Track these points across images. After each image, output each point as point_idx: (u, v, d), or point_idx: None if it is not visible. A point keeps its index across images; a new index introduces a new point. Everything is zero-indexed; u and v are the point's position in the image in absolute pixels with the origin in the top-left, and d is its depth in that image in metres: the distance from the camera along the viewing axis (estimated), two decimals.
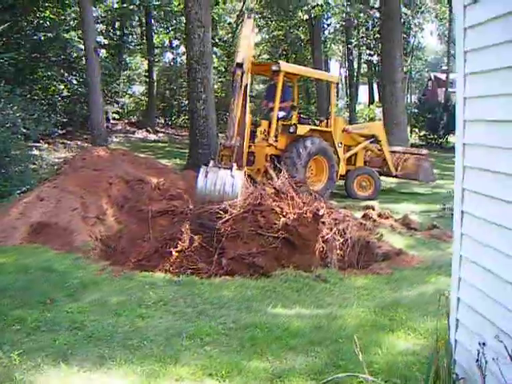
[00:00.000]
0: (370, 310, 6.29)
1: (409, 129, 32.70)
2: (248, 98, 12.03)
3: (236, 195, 9.24)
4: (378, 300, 6.76)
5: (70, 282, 6.93)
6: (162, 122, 40.81)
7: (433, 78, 65.50)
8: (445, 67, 53.21)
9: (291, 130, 14.15)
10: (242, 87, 10.65)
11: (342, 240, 8.80)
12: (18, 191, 12.18)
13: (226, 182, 9.41)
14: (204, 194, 9.51)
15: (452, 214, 11.42)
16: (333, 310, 6.35)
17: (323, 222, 8.84)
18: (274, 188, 9.40)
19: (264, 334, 5.50)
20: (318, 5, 29.41)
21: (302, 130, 14.31)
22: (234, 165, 9.77)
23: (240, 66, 10.61)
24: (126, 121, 36.54)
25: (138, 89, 42.30)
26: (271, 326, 5.69)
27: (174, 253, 8.86)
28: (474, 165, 3.67)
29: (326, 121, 15.48)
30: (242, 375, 4.63)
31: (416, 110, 38.34)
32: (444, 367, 3.64)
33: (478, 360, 3.35)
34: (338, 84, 22.29)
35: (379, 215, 11.46)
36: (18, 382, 4.42)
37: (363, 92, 59.10)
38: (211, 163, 9.92)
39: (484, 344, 3.29)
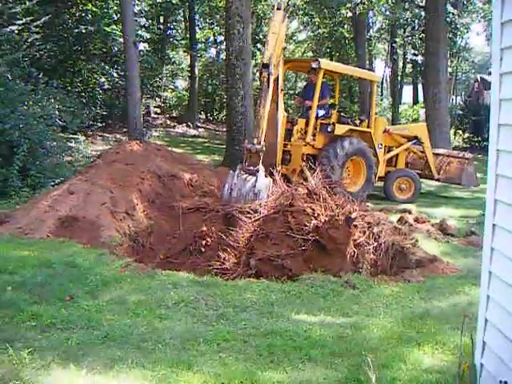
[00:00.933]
0: (397, 321, 6.02)
1: (452, 131, 32.07)
2: (281, 95, 11.80)
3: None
4: (407, 310, 6.47)
5: (91, 279, 6.79)
6: (204, 117, 40.81)
7: (479, 79, 64.36)
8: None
9: (329, 130, 13.89)
10: (270, 88, 10.40)
11: (375, 244, 8.53)
12: (52, 183, 12.18)
13: (249, 198, 9.28)
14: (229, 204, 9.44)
15: None
16: (358, 319, 6.09)
17: (356, 226, 8.58)
18: (307, 189, 9.17)
19: (283, 342, 5.27)
20: (361, 2, 28.99)
21: (341, 129, 14.04)
22: (260, 172, 9.59)
23: (266, 66, 10.34)
24: (167, 115, 36.60)
25: (181, 84, 42.34)
26: (292, 333, 5.46)
27: (202, 251, 8.75)
28: (509, 174, 3.37)
29: (366, 121, 15.17)
30: None
31: (460, 112, 37.61)
32: None
33: None
34: (379, 83, 21.93)
35: (415, 219, 11.17)
36: (25, 381, 4.27)
37: (407, 92, 58.32)
38: (238, 169, 9.77)
39: (506, 383, 2.98)
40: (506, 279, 3.34)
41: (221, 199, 9.88)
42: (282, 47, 11.24)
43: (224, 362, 4.83)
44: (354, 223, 8.56)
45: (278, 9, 11.84)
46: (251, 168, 9.79)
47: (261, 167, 9.77)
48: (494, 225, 3.50)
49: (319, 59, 14.31)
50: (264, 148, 10.01)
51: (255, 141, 10.11)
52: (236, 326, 5.69)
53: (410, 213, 11.78)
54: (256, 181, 9.39)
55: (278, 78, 11.27)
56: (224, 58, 40.63)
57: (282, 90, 12.17)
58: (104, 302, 6.18)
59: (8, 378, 4.30)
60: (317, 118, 14.06)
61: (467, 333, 5.29)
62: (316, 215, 8.47)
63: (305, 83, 27.64)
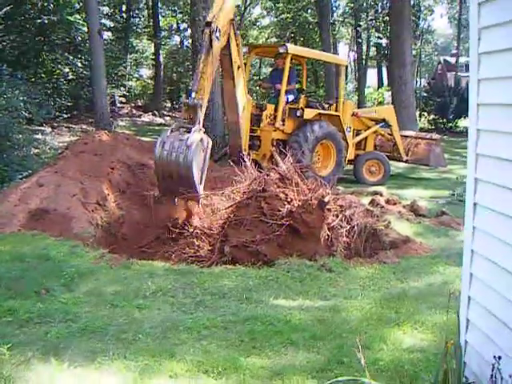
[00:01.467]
0: (375, 302, 6.06)
1: (418, 113, 32.32)
2: (239, 72, 11.75)
3: (190, 161, 8.95)
4: (384, 291, 6.53)
5: (66, 271, 6.70)
6: (169, 105, 40.55)
7: (442, 61, 65.00)
8: (454, 51, 52.73)
9: (298, 114, 13.88)
10: (214, 48, 10.26)
11: (348, 227, 8.55)
12: (19, 176, 11.97)
13: (180, 151, 9.11)
14: (161, 162, 9.28)
15: (461, 201, 11.28)
16: (337, 301, 6.13)
17: (329, 209, 8.59)
18: (279, 174, 9.15)
19: (264, 327, 5.28)
20: None
21: (310, 114, 14.04)
22: (196, 127, 9.44)
23: (208, 24, 10.26)
24: (133, 104, 36.31)
25: (145, 72, 42.01)
26: (272, 318, 5.46)
27: (175, 239, 8.71)
28: (489, 153, 3.37)
29: (334, 105, 15.19)
30: (239, 372, 4.41)
31: (425, 94, 37.92)
32: (453, 370, 3.40)
33: (492, 376, 3.08)
34: (347, 67, 21.99)
35: (387, 201, 11.25)
36: (6, 378, 4.20)
37: (372, 75, 58.60)
38: (173, 125, 9.72)
39: (500, 358, 3.02)
40: (488, 256, 3.37)
41: (153, 154, 9.64)
42: (229, 18, 11.08)
43: (206, 350, 4.82)
44: (327, 207, 8.57)
45: None
46: (188, 125, 9.60)
47: (198, 125, 9.61)
48: (474, 203, 3.52)
49: (287, 44, 14.27)
50: (201, 103, 9.86)
51: (193, 95, 9.90)
52: (215, 313, 5.67)
53: (381, 195, 11.85)
54: (186, 143, 9.25)
55: (229, 51, 11.21)
56: (188, 45, 40.55)
57: (239, 66, 11.99)
58: (81, 294, 6.12)
59: None
60: (286, 103, 14.04)
61: (445, 311, 5.40)
62: (289, 200, 8.46)
63: (270, 69, 27.56)
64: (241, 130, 12.67)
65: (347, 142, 14.92)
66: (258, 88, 34.41)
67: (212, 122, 16.69)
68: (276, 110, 13.90)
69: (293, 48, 14.51)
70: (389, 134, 16.42)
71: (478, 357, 3.45)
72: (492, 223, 3.35)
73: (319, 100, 18.15)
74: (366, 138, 16.03)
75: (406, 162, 16.95)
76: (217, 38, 10.17)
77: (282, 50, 13.75)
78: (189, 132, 9.29)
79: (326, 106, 15.29)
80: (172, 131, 9.42)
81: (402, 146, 16.49)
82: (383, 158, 15.88)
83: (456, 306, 4.06)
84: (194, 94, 9.79)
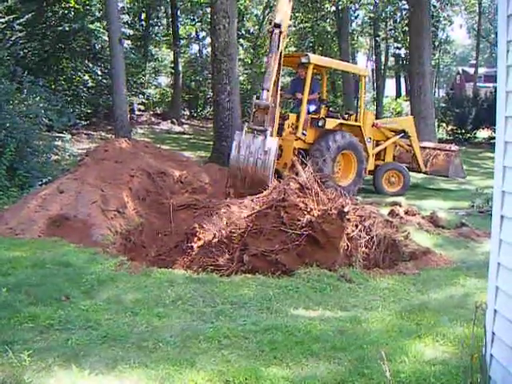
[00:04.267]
0: (396, 314, 6.02)
1: (436, 123, 32.20)
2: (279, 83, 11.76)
3: (269, 166, 9.03)
4: (405, 303, 6.49)
5: (86, 278, 6.75)
6: (188, 113, 40.67)
7: (461, 72, 64.74)
8: (473, 61, 52.49)
9: (320, 124, 13.90)
10: (280, 49, 10.39)
11: (367, 238, 8.52)
12: (39, 183, 12.07)
13: (259, 156, 9.20)
14: (237, 166, 9.35)
15: (481, 212, 11.22)
16: (357, 312, 6.10)
17: (348, 219, 8.56)
18: (299, 183, 9.15)
19: (285, 337, 5.25)
20: None
21: (331, 123, 14.09)
22: (269, 130, 9.49)
23: (278, 26, 10.35)
24: (152, 112, 36.45)
25: (164, 80, 42.17)
26: (292, 329, 5.44)
27: (194, 248, 8.70)
28: None
29: (354, 115, 15.19)
30: (260, 382, 4.38)
31: (444, 105, 37.75)
32: None
33: None
34: (368, 77, 21.96)
35: (406, 212, 11.19)
36: None
37: (390, 85, 58.56)
38: (245, 127, 9.68)
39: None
40: None
41: (228, 161, 9.80)
42: (288, 23, 11.27)
43: (227, 359, 4.81)
44: (347, 217, 8.55)
45: None
46: (258, 127, 9.66)
47: (269, 127, 9.66)
48: (502, 216, 3.50)
49: (309, 54, 14.30)
50: (273, 105, 9.91)
51: (264, 94, 9.94)
52: (235, 323, 5.66)
53: (400, 205, 11.79)
54: (265, 139, 9.25)
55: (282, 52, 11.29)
56: (207, 53, 40.69)
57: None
58: (101, 302, 6.13)
59: (9, 381, 4.25)
60: (308, 112, 14.07)
61: (467, 323, 5.36)
62: (309, 210, 8.45)
63: (289, 78, 27.56)
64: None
65: (368, 153, 14.92)
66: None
67: (231, 130, 16.73)
68: (298, 119, 13.93)
69: (315, 58, 14.54)
70: (408, 145, 16.38)
71: (503, 371, 3.42)
72: None
73: (339, 110, 18.16)
74: (385, 149, 16.00)
75: (425, 173, 16.91)
76: (282, 32, 10.38)
77: (304, 60, 13.78)
78: (262, 134, 9.39)
79: (346, 116, 15.31)
80: (245, 135, 9.49)
81: (420, 158, 16.47)
82: (403, 169, 15.85)
83: (479, 319, 4.03)
84: (265, 94, 9.85)
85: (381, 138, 15.84)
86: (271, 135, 9.70)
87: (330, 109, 15.54)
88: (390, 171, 15.75)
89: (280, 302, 6.35)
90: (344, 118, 14.97)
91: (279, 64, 11.07)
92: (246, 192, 9.38)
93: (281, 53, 10.94)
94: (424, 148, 17.02)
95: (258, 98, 10.26)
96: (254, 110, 9.98)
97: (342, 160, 14.39)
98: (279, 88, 11.38)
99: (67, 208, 9.06)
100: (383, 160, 16.05)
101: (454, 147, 17.48)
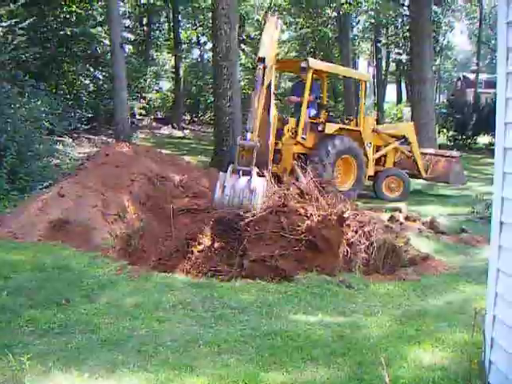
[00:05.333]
0: (395, 319, 6.03)
1: (437, 129, 32.22)
2: (273, 96, 11.67)
3: (255, 207, 8.90)
4: (404, 308, 6.50)
5: (86, 282, 6.76)
6: (188, 118, 40.73)
7: (462, 77, 64.78)
8: (474, 67, 52.56)
9: (320, 128, 13.90)
10: (265, 83, 10.27)
11: (367, 243, 8.52)
12: (40, 186, 12.07)
13: (244, 195, 9.06)
14: (221, 208, 9.21)
15: (481, 218, 11.22)
16: (357, 318, 6.10)
17: (348, 225, 8.58)
18: (299, 188, 9.16)
19: (284, 342, 5.26)
20: (346, 2, 29.06)
21: (331, 128, 14.08)
22: (254, 170, 9.38)
23: (262, 60, 10.23)
24: (152, 117, 36.49)
25: (165, 85, 42.24)
26: (292, 334, 5.45)
27: (195, 252, 8.70)
28: None
29: (354, 120, 15.20)
30: None
31: (444, 110, 37.77)
32: None
33: None
34: (369, 82, 21.98)
35: (406, 218, 11.19)
36: None
37: (391, 91, 58.61)
38: (230, 168, 9.51)
39: None
40: None
41: (212, 201, 9.52)
42: (275, 52, 11.12)
43: (226, 364, 4.82)
44: (347, 222, 8.57)
45: (272, 16, 11.77)
46: (244, 168, 9.52)
47: (254, 166, 9.54)
48: (501, 222, 3.51)
49: (308, 58, 14.32)
50: (258, 145, 9.78)
51: (248, 135, 9.89)
52: (235, 328, 5.67)
53: (400, 211, 11.78)
54: (250, 187, 9.14)
55: (270, 83, 11.09)
56: (208, 58, 40.78)
57: (274, 93, 12.06)
58: (101, 306, 6.14)
59: None
60: (308, 117, 14.07)
61: (466, 329, 5.37)
62: (309, 215, 8.47)
63: (289, 84, 27.51)
64: (269, 149, 12.57)
65: (367, 158, 14.92)
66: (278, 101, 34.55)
67: (232, 136, 16.76)
68: (297, 123, 13.92)
69: (314, 62, 14.54)
70: (408, 151, 16.38)
71: (502, 376, 3.42)
72: None
73: (339, 115, 18.17)
74: (385, 155, 16.00)
75: (425, 179, 16.89)
76: (266, 66, 10.16)
77: (304, 65, 13.79)
78: (247, 175, 9.28)
79: (346, 121, 15.31)
80: (230, 175, 9.35)
81: (421, 163, 16.44)
82: (403, 175, 15.84)
83: (478, 325, 4.04)
84: (250, 135, 9.74)
85: (381, 143, 15.83)
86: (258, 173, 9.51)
87: (330, 113, 15.49)
88: (391, 177, 15.74)
89: (280, 308, 6.36)
90: (344, 123, 14.96)
91: (269, 96, 10.99)
92: None
93: (269, 85, 10.81)
94: (424, 154, 17.01)
95: (242, 138, 10.04)
96: (239, 150, 9.81)
97: (342, 165, 14.36)
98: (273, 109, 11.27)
99: (68, 212, 9.05)
100: (383, 165, 16.05)
101: (454, 153, 17.47)
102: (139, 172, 10.75)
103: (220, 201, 9.20)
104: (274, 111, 12.15)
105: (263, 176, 9.61)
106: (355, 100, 30.59)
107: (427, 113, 25.34)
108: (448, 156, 17.09)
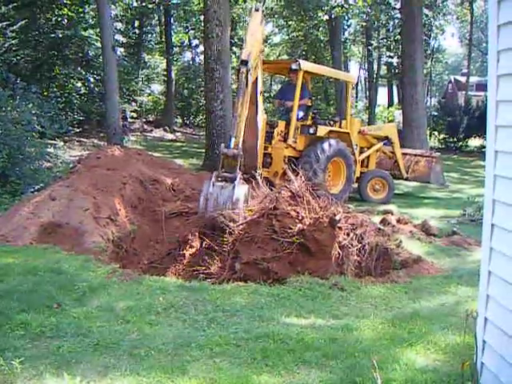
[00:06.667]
0: (387, 322, 6.03)
1: (428, 132, 32.33)
2: (260, 97, 11.62)
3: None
4: (397, 311, 6.50)
5: (78, 285, 6.71)
6: (180, 121, 40.74)
7: (453, 80, 65.08)
8: (465, 70, 52.79)
9: (311, 131, 13.90)
10: (249, 86, 10.19)
11: (359, 246, 8.53)
12: (31, 190, 12.04)
13: (227, 208, 8.99)
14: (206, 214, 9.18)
15: (472, 221, 11.27)
16: (349, 320, 6.10)
17: (340, 228, 8.58)
18: (291, 191, 9.16)
19: (276, 345, 5.26)
20: (338, 5, 29.14)
21: (322, 131, 14.07)
22: (238, 178, 9.32)
23: (245, 63, 10.14)
24: (144, 120, 36.47)
25: (157, 88, 42.23)
26: (284, 336, 5.44)
27: (186, 255, 8.69)
28: (507, 174, 3.38)
29: (340, 122, 15.20)
30: None
31: (436, 113, 37.93)
32: None
33: None
34: (355, 84, 22.00)
35: (398, 220, 11.22)
36: None
37: (382, 94, 58.73)
38: (213, 176, 9.43)
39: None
40: (505, 278, 3.37)
41: (197, 210, 9.51)
42: (260, 50, 11.06)
43: (218, 367, 4.81)
44: (338, 225, 8.57)
45: (256, 10, 11.62)
46: (227, 175, 9.49)
47: (238, 174, 9.49)
48: (492, 225, 3.53)
49: (299, 60, 14.33)
50: (241, 152, 9.70)
51: (232, 143, 9.74)
52: (227, 331, 5.66)
53: (392, 214, 11.83)
54: (233, 189, 9.12)
55: (256, 81, 11.03)
56: (200, 61, 40.79)
57: (261, 92, 12.04)
58: (93, 309, 6.11)
59: None
60: (297, 119, 14.07)
61: (458, 331, 5.38)
62: (300, 218, 8.46)
63: (280, 85, 27.49)
64: (258, 151, 12.53)
65: (356, 159, 14.96)
66: (269, 105, 34.58)
67: (224, 138, 16.74)
68: (286, 126, 13.91)
69: (305, 64, 14.57)
70: (390, 152, 16.44)
71: (494, 379, 3.43)
72: (510, 244, 3.34)
73: (325, 118, 18.19)
74: (369, 156, 16.03)
75: (406, 179, 16.95)
76: (249, 69, 10.06)
77: (294, 67, 13.79)
78: (230, 183, 9.22)
79: (331, 122, 15.29)
80: (213, 184, 9.28)
81: (402, 164, 16.53)
82: (387, 176, 15.88)
83: (470, 327, 4.05)
84: (233, 142, 9.61)
85: (365, 145, 15.90)
86: (241, 183, 9.43)
87: (316, 116, 15.44)
88: (375, 179, 15.76)
89: (272, 310, 6.35)
90: (330, 125, 14.97)
91: (256, 95, 10.95)
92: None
93: (255, 86, 10.74)
94: (405, 154, 17.07)
95: (225, 146, 9.86)
96: (222, 157, 9.73)
97: (332, 167, 14.37)
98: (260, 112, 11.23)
99: (59, 215, 9.03)
100: (367, 167, 16.07)
101: (434, 154, 17.58)
102: (131, 175, 10.74)
103: (203, 213, 9.17)
104: (262, 115, 12.13)
105: (253, 178, 9.61)
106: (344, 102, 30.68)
107: (418, 116, 25.49)
108: (428, 156, 17.19)
